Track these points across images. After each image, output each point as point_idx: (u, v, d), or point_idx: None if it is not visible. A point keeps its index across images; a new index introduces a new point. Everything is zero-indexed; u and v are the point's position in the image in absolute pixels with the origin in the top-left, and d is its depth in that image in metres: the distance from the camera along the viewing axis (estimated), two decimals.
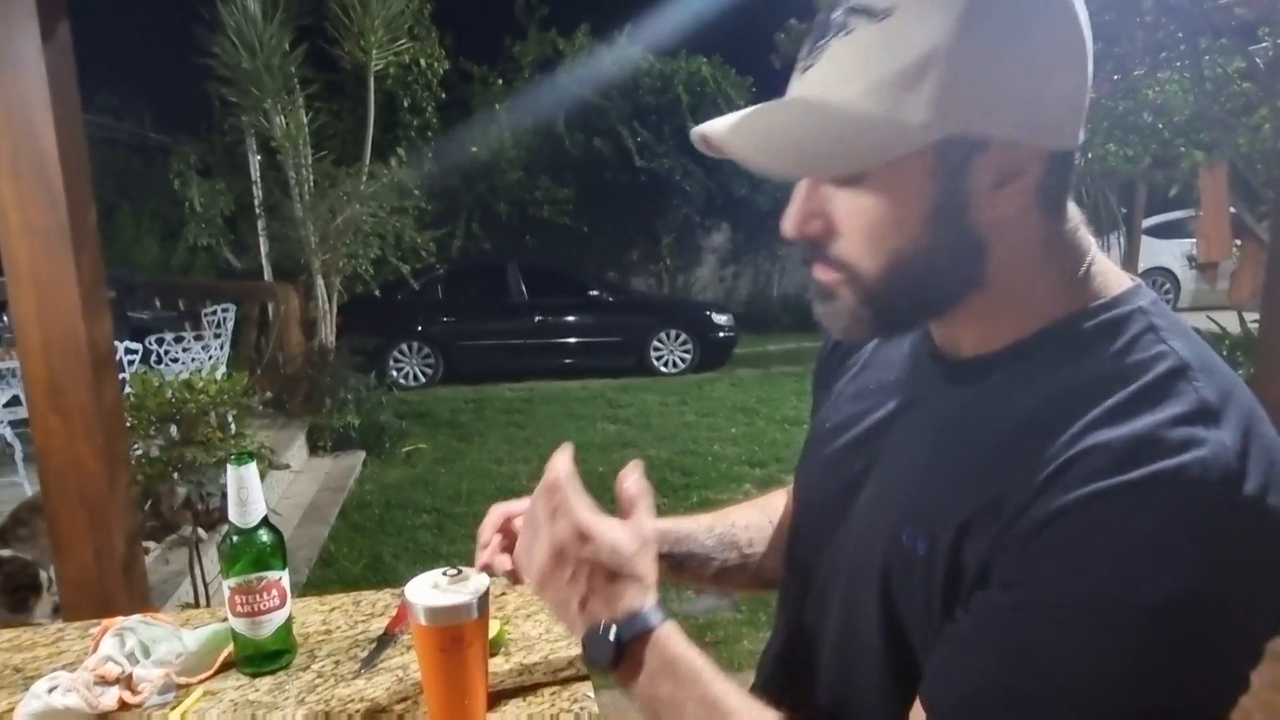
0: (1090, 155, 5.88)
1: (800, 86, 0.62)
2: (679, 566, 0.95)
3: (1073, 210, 0.65)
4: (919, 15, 0.56)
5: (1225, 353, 3.59)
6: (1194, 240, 10.52)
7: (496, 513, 0.92)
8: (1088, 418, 0.57)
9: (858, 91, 0.58)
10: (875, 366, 0.81)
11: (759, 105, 0.63)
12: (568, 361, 9.32)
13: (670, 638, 0.68)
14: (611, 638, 0.67)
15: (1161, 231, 10.73)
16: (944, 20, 0.55)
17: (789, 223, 0.65)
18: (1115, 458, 0.54)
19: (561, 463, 0.73)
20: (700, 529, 0.97)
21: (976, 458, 0.62)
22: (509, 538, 0.90)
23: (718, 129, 0.62)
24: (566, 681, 1.01)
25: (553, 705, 0.96)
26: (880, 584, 0.68)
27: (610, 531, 0.70)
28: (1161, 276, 11.15)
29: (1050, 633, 0.54)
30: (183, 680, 1.00)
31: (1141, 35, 4.59)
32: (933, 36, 0.56)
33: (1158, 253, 10.77)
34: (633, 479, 0.77)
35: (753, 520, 1.00)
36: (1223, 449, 0.53)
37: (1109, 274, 0.66)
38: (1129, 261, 9.79)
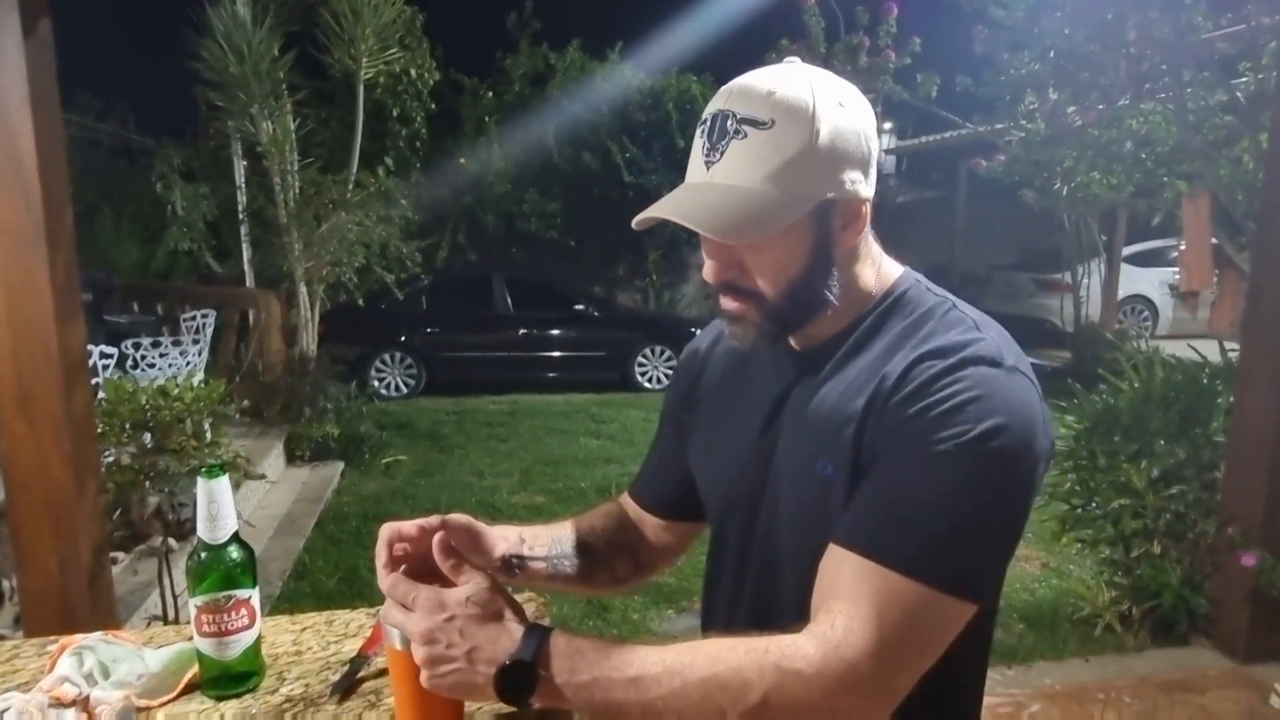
0: (1075, 183, 5.94)
1: (713, 174, 0.85)
2: (554, 569, 1.07)
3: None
4: (791, 124, 0.83)
5: (1206, 381, 3.60)
6: (1173, 269, 10.65)
7: (388, 532, 0.90)
8: (911, 344, 0.87)
9: (760, 178, 0.83)
10: (749, 378, 1.02)
11: (687, 188, 0.87)
12: (551, 375, 9.26)
13: (562, 635, 0.80)
14: (526, 658, 0.77)
15: (1141, 260, 10.81)
16: (807, 128, 0.83)
17: (712, 274, 0.90)
18: (935, 359, 0.84)
19: (387, 572, 0.85)
20: (562, 533, 1.11)
21: (849, 398, 0.88)
22: (403, 559, 0.90)
23: (668, 210, 0.85)
24: (544, 711, 0.97)
25: None
26: (795, 523, 0.92)
27: (455, 591, 0.80)
28: (1140, 304, 11.17)
29: (921, 472, 0.80)
30: (143, 703, 0.95)
31: (1126, 66, 4.65)
32: (802, 139, 0.83)
33: (1137, 280, 10.84)
34: (438, 544, 0.85)
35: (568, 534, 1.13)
36: (988, 341, 0.86)
37: (892, 267, 0.97)
38: (1108, 288, 9.87)
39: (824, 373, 0.93)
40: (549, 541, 1.08)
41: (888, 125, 12.70)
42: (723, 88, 0.88)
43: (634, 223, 0.90)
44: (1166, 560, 3.32)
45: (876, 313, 0.93)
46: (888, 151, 14.04)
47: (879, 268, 0.95)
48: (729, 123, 0.84)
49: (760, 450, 0.97)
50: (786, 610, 0.94)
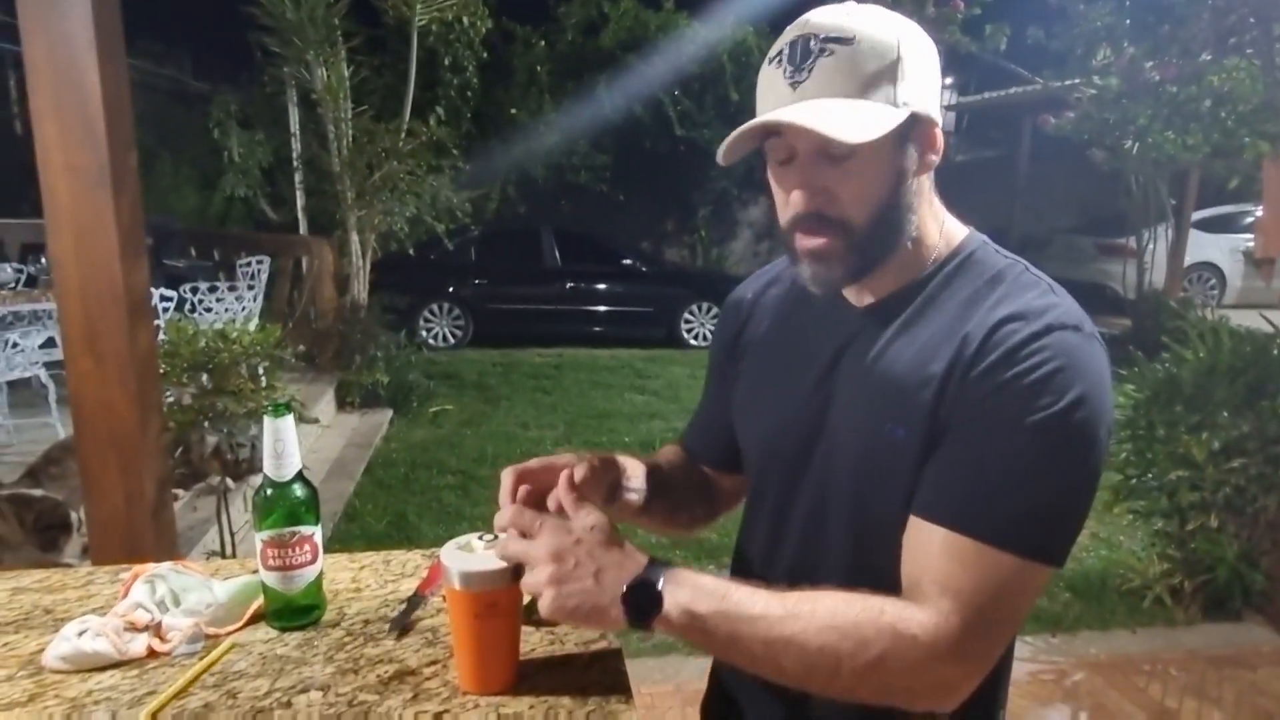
0: (1148, 142, 5.70)
1: (801, 93, 0.83)
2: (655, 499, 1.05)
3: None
4: (875, 40, 0.83)
5: (1276, 352, 3.46)
6: (1244, 236, 10.16)
7: (512, 473, 0.92)
8: (987, 305, 0.86)
9: (854, 89, 0.83)
10: (800, 330, 1.01)
11: (780, 108, 0.84)
12: (597, 329, 9.29)
13: (683, 568, 0.82)
14: (658, 585, 0.79)
15: (1210, 225, 10.35)
16: (891, 41, 0.84)
17: (803, 201, 0.87)
18: (1018, 321, 0.83)
19: (511, 494, 0.90)
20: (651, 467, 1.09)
21: (924, 359, 0.87)
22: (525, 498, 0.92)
23: (773, 118, 0.82)
24: (599, 653, 0.98)
25: (584, 676, 0.94)
26: (855, 479, 0.90)
27: (579, 518, 0.82)
28: (1207, 272, 10.72)
29: (1006, 444, 0.80)
30: (211, 631, 0.98)
31: (1210, 19, 4.41)
32: (887, 52, 0.83)
33: (1205, 246, 10.38)
34: (565, 480, 0.87)
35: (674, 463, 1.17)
36: (1069, 306, 0.85)
37: (956, 226, 0.95)
38: (1174, 254, 9.48)
39: (891, 330, 0.91)
40: (639, 475, 1.06)
41: (948, 80, 12.30)
42: (793, 23, 0.87)
43: (723, 149, 0.87)
44: (1223, 534, 3.24)
45: (945, 272, 0.91)
46: (948, 108, 13.60)
47: (943, 225, 0.94)
48: (812, 43, 0.84)
49: (813, 404, 0.95)
50: (827, 567, 0.93)
